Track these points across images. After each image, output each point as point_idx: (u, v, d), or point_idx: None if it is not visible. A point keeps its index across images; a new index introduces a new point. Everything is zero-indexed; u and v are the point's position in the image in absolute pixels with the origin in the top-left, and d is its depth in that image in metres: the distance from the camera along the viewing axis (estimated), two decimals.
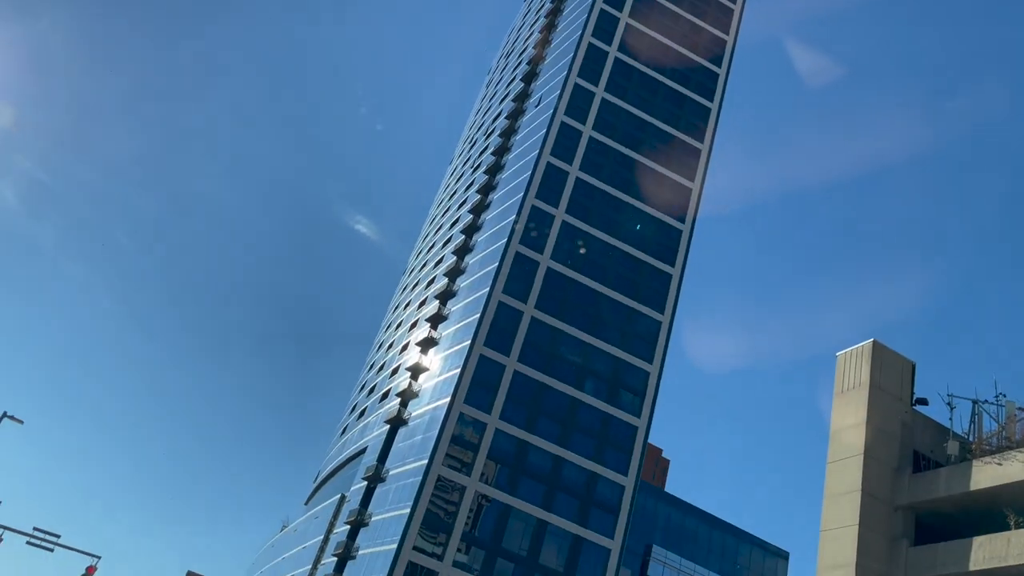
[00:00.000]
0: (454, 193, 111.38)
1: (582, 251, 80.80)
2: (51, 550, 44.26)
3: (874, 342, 36.29)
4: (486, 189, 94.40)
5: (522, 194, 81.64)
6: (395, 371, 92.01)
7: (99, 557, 41.98)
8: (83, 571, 42.00)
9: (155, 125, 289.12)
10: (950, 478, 31.96)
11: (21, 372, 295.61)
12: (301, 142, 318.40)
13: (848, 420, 34.93)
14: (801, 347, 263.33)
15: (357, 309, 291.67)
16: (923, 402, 35.91)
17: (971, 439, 33.82)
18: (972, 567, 29.19)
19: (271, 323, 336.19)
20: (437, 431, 70.17)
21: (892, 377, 35.64)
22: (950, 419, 34.61)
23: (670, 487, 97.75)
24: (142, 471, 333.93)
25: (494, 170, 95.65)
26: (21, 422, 45.20)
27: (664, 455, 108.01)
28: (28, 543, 44.09)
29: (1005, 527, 28.98)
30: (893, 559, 31.81)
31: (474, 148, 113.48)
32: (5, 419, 43.86)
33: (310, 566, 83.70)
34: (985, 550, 29.12)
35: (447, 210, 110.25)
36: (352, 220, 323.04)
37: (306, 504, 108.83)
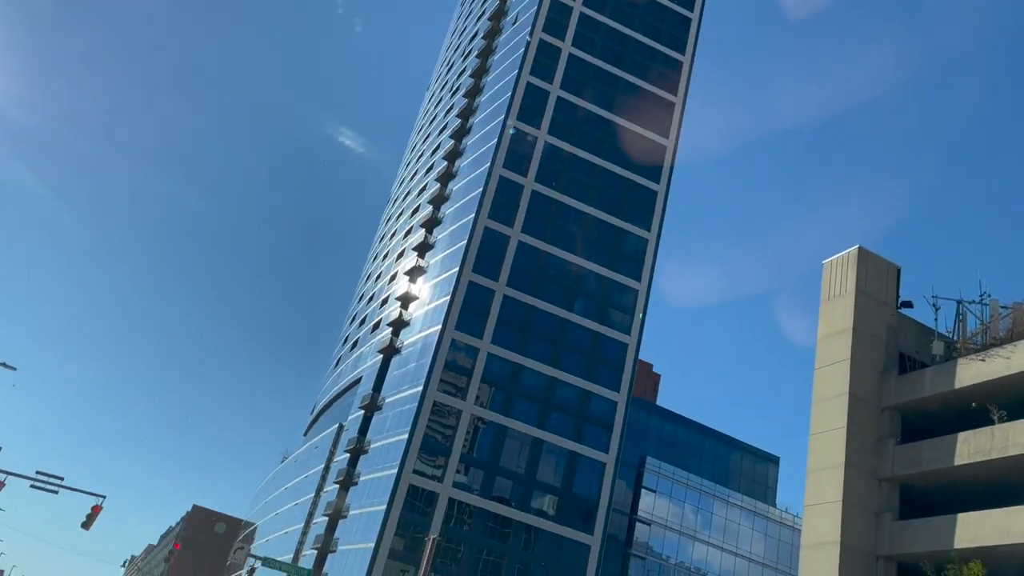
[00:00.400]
0: (434, 119, 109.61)
1: (564, 174, 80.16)
2: (55, 492, 44.80)
3: (859, 248, 36.45)
4: (466, 113, 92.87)
5: (503, 117, 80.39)
6: (385, 301, 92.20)
7: (104, 496, 42.61)
8: (89, 511, 42.52)
9: (126, 62, 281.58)
10: (935, 377, 32.58)
11: (9, 318, 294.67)
12: (283, 57, 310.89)
13: (835, 326, 35.36)
14: (787, 265, 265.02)
15: (347, 231, 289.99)
16: (908, 305, 36.32)
17: (956, 339, 34.34)
18: (957, 462, 30.03)
19: (263, 252, 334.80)
20: (430, 358, 70.77)
21: (878, 282, 35.94)
22: (935, 320, 35.08)
23: (662, 401, 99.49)
24: (142, 412, 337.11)
25: (473, 93, 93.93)
26: (14, 369, 45.25)
27: (655, 370, 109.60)
28: (32, 486, 44.59)
29: (989, 423, 29.69)
30: (881, 456, 32.67)
31: (451, 71, 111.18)
32: None
33: (313, 494, 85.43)
34: (970, 445, 29.91)
35: (427, 136, 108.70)
36: (337, 133, 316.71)
37: (305, 435, 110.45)
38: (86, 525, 40.88)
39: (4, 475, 43.41)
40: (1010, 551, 27.49)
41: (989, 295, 34.13)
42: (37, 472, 44.91)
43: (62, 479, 45.06)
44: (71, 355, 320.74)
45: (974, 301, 34.58)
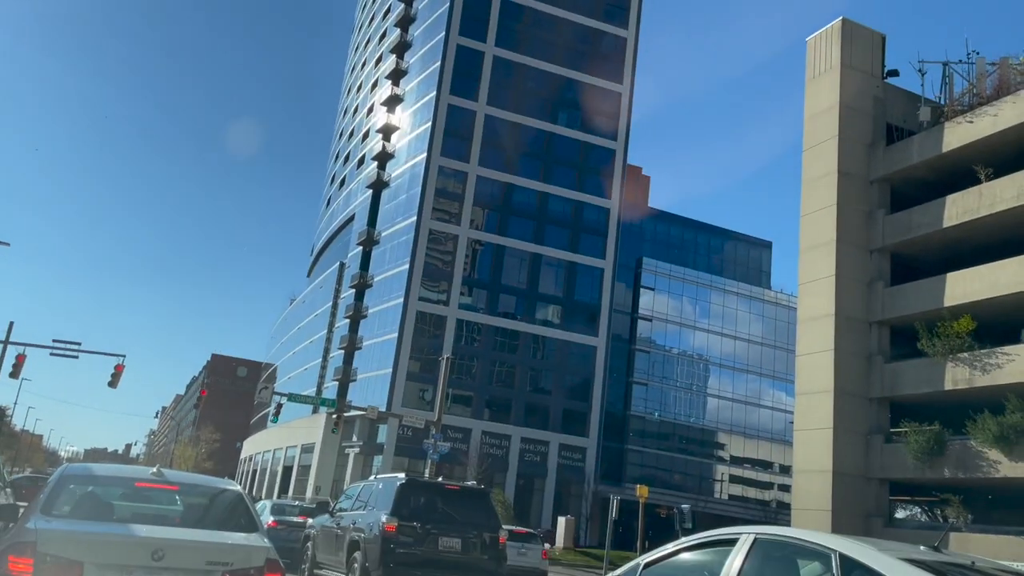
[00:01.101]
0: None
1: None
2: (76, 357, 46.14)
3: (843, 20, 35.40)
4: None
5: None
6: (366, 135, 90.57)
7: (124, 356, 43.92)
8: (112, 371, 43.97)
9: None
10: (922, 144, 32.69)
11: (5, 189, 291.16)
12: None
13: (821, 104, 35.02)
14: (767, 46, 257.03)
15: (313, 61, 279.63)
16: (894, 73, 35.76)
17: (943, 103, 34.10)
18: (946, 224, 30.75)
19: (235, 99, 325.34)
20: (420, 187, 70.61)
21: (863, 53, 35.19)
22: (921, 86, 34.70)
23: (653, 202, 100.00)
24: (147, 272, 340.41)
25: None
26: (7, 244, 45.28)
27: (644, 173, 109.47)
28: (52, 354, 45.90)
29: (978, 184, 30.07)
30: (871, 228, 33.43)
31: None
32: None
33: (325, 331, 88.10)
34: (958, 206, 30.51)
35: None
36: None
37: (308, 276, 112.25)
38: (112, 384, 42.43)
39: (23, 347, 44.55)
40: (999, 303, 28.74)
41: (977, 53, 33.57)
42: (54, 340, 46.08)
43: (80, 344, 46.29)
44: (66, 222, 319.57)
45: (961, 61, 34.06)
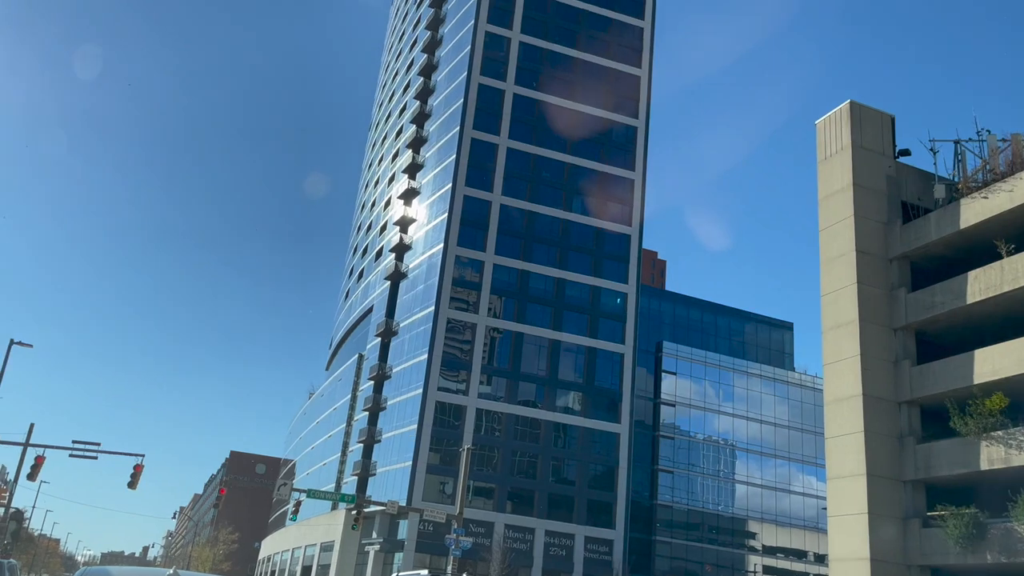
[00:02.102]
0: (403, 35, 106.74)
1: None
2: (95, 458, 45.92)
3: (851, 103, 35.93)
4: (435, 23, 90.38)
5: (472, 22, 78.27)
6: (384, 228, 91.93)
7: (143, 455, 43.63)
8: (132, 471, 43.57)
9: None
10: (940, 221, 32.61)
11: (23, 297, 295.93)
12: None
13: (835, 185, 35.20)
14: (775, 130, 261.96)
15: (333, 161, 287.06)
16: (906, 153, 36.02)
17: (957, 180, 34.20)
18: (969, 300, 30.36)
19: (252, 197, 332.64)
20: (437, 277, 71.10)
21: (873, 134, 35.57)
22: (934, 164, 34.86)
23: (670, 286, 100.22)
24: (163, 373, 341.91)
25: (439, 0, 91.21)
26: (30, 346, 45.68)
27: (660, 257, 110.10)
28: (71, 455, 45.70)
29: (997, 259, 29.83)
30: (893, 307, 33.05)
31: None
32: (14, 346, 44.25)
33: (344, 424, 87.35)
34: (980, 282, 30.17)
35: (399, 53, 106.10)
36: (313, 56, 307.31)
37: (327, 369, 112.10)
38: (132, 484, 42.04)
39: (42, 449, 44.39)
40: None
41: (987, 130, 33.80)
42: (73, 441, 45.88)
43: (99, 444, 46.05)
44: (83, 327, 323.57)
45: (971, 139, 34.27)
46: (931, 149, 34.39)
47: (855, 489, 30.61)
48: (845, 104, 35.98)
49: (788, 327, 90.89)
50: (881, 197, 34.62)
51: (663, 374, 79.44)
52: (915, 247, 33.21)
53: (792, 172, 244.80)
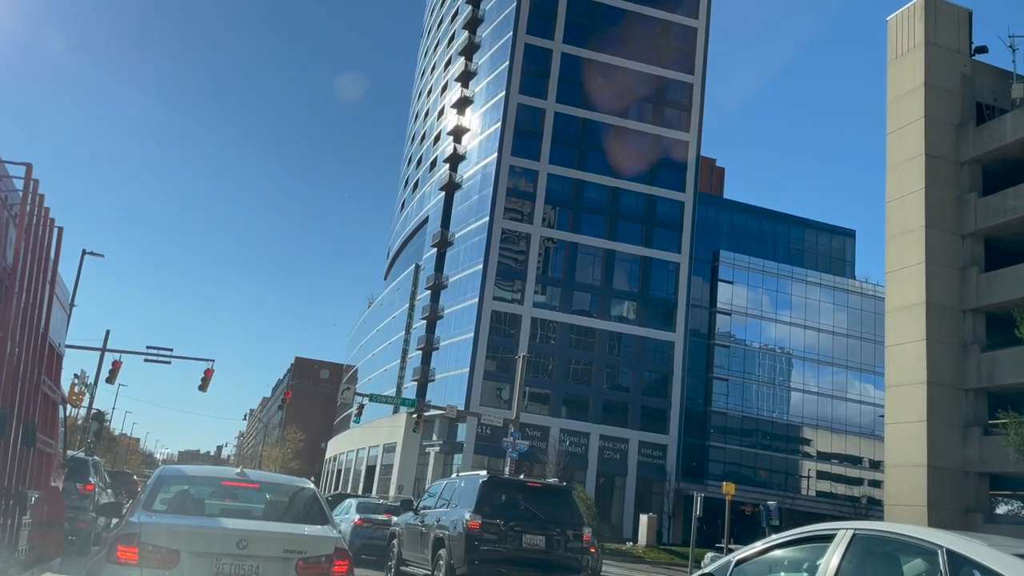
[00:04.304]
0: None
1: None
2: (168, 363, 48.04)
3: None
4: None
5: None
6: (437, 137, 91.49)
7: (213, 360, 45.44)
8: (202, 375, 45.52)
9: None
10: (1016, 122, 31.14)
11: (91, 203, 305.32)
12: None
13: (905, 85, 33.72)
14: (842, 25, 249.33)
15: (383, 65, 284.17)
16: (983, 50, 34.21)
17: None
18: None
19: (309, 108, 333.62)
20: (492, 187, 70.92)
21: (948, 30, 33.74)
22: (1013, 62, 33.19)
23: (729, 194, 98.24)
24: (235, 278, 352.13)
25: None
26: (102, 256, 47.40)
27: (718, 164, 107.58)
28: (146, 360, 47.84)
29: None
30: (963, 213, 32.03)
31: None
32: (86, 256, 45.97)
33: (403, 332, 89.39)
34: None
35: None
36: None
37: (385, 279, 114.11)
38: (202, 387, 43.92)
39: (119, 354, 46.60)
40: None
41: None
42: (147, 347, 48.01)
43: (171, 350, 48.11)
44: (154, 234, 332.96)
45: None
46: (1010, 46, 32.63)
47: (914, 397, 30.45)
48: None
49: (850, 234, 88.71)
50: (954, 97, 33.12)
51: (719, 283, 78.74)
52: (988, 149, 31.90)
53: (859, 71, 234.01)
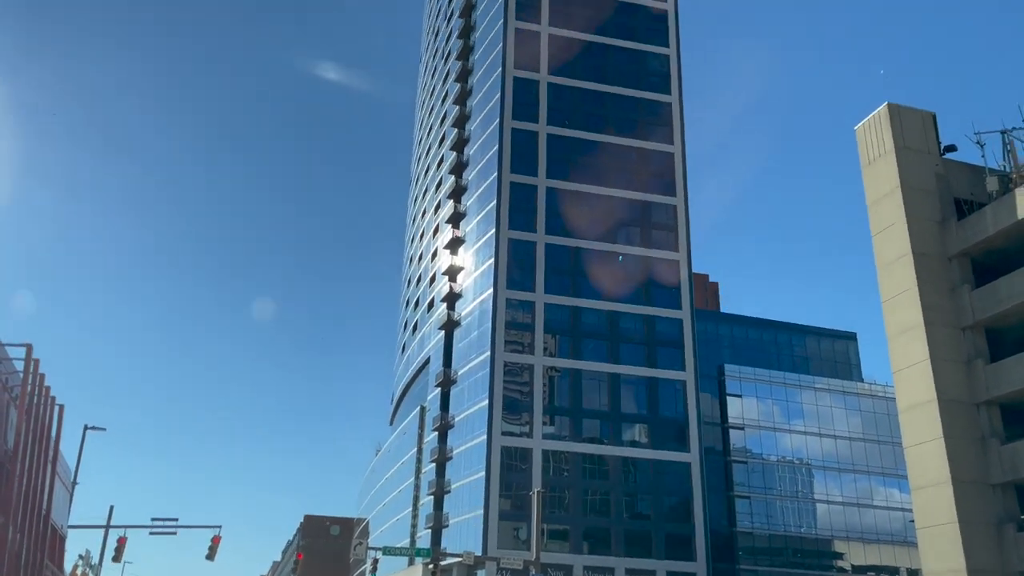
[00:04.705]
0: (433, 90, 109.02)
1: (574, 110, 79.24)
2: (174, 533, 46.79)
3: (888, 105, 35.50)
4: (463, 74, 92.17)
5: (500, 69, 79.62)
6: (433, 279, 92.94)
7: (220, 526, 44.32)
8: (209, 543, 44.22)
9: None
10: (996, 213, 31.82)
11: (92, 377, 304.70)
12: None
13: (882, 188, 34.65)
14: (814, 139, 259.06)
15: (375, 225, 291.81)
16: (952, 149, 35.37)
17: (1009, 171, 33.43)
18: None
19: (303, 267, 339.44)
20: (490, 322, 71.40)
21: (915, 134, 35.02)
22: (983, 157, 34.22)
23: (725, 307, 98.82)
24: (240, 441, 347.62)
25: (465, 52, 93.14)
26: (104, 430, 46.99)
27: (711, 280, 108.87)
28: (151, 533, 46.64)
29: None
30: (959, 305, 32.16)
31: (439, 38, 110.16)
32: (88, 431, 45.59)
33: (412, 478, 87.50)
34: None
35: (431, 109, 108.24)
36: (316, 68, 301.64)
37: (391, 424, 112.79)
38: (210, 556, 42.65)
39: (123, 529, 45.37)
40: None
41: None
42: (152, 519, 46.83)
43: (177, 520, 46.94)
44: (153, 410, 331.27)
45: (1018, 127, 33.54)
46: (977, 142, 33.79)
47: (942, 498, 29.55)
48: (883, 107, 35.57)
49: (851, 337, 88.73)
50: (932, 196, 33.96)
51: (728, 397, 78.02)
52: (974, 242, 32.42)
53: (832, 180, 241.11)
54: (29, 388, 34.66)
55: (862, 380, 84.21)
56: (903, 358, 32.33)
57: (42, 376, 37.66)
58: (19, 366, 34.57)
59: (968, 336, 31.79)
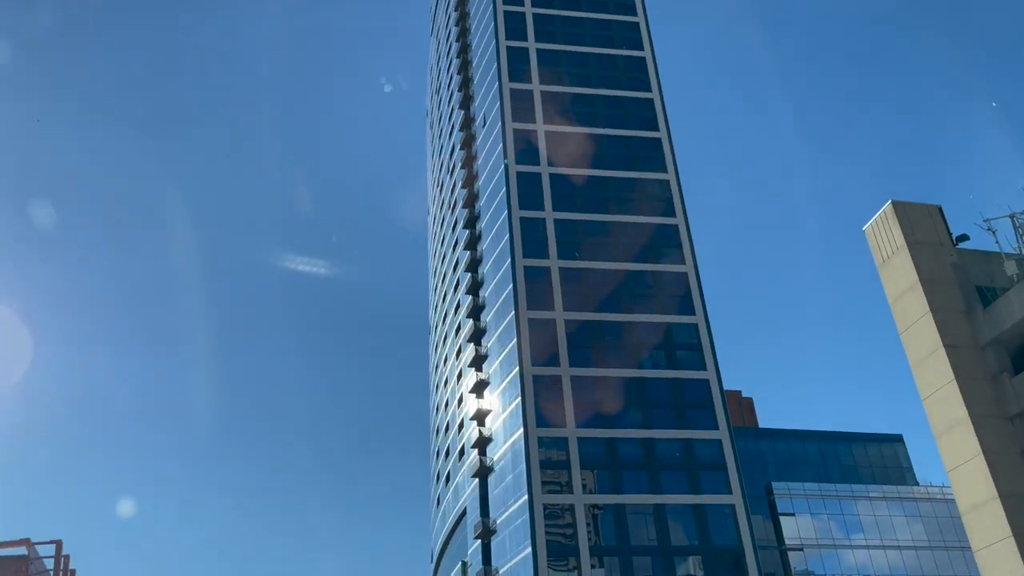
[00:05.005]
0: (443, 239, 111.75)
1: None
2: None
3: (893, 203, 35.78)
4: (471, 221, 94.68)
5: (506, 212, 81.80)
6: (461, 426, 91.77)
7: None
8: None
9: None
10: (1021, 296, 31.29)
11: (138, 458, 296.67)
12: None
13: (901, 285, 34.36)
14: (821, 239, 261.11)
15: (396, 374, 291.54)
16: (964, 239, 35.31)
17: None
18: None
19: (326, 429, 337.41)
20: (524, 465, 69.73)
21: (925, 228, 35.08)
22: (996, 243, 34.03)
23: (763, 423, 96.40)
24: None
25: (471, 200, 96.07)
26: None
27: (744, 395, 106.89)
28: None
29: None
30: (1001, 395, 31.09)
31: (444, 191, 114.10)
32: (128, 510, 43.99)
33: None
34: None
35: (443, 257, 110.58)
36: (287, 262, 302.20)
37: None
38: None
39: None
40: None
41: None
42: None
43: None
44: (181, 516, 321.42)
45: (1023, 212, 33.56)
46: (989, 229, 33.72)
47: None
48: (887, 206, 35.84)
49: (898, 439, 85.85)
50: (952, 286, 33.61)
51: (781, 517, 74.73)
52: (1004, 328, 31.74)
53: (856, 277, 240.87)
54: None
55: (917, 483, 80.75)
56: (955, 456, 30.98)
57: (73, 572, 36.76)
58: (49, 564, 33.80)
59: (1018, 425, 30.56)
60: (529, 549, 66.17)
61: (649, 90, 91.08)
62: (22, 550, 30.31)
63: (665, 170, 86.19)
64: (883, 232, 35.83)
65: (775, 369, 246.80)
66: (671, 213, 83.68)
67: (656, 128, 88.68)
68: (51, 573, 32.55)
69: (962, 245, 35.01)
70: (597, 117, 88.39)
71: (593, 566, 66.13)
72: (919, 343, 33.14)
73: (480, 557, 77.69)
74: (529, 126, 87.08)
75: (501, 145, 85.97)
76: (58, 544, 33.25)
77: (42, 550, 32.18)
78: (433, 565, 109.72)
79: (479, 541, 78.43)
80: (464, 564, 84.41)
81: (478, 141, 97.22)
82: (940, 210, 35.82)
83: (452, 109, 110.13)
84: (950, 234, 35.30)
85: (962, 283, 33.76)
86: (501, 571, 73.08)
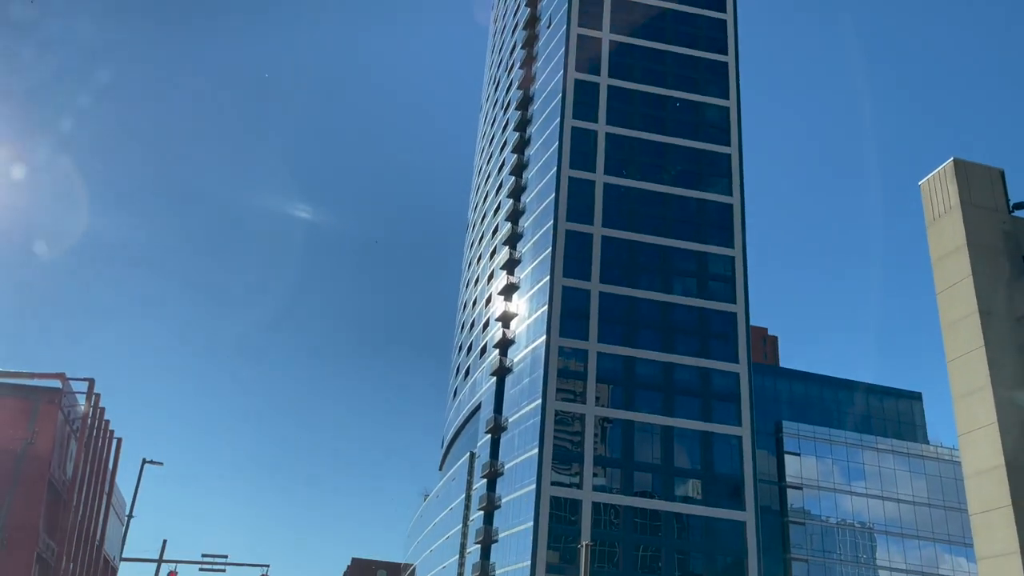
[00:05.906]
0: (492, 138, 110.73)
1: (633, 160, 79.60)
2: (223, 571, 47.23)
3: (954, 160, 34.78)
4: (522, 124, 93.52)
5: (558, 119, 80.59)
6: (486, 324, 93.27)
7: (268, 565, 44.61)
8: None
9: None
10: None
11: (150, 408, 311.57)
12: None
13: (947, 246, 33.78)
14: (877, 193, 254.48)
15: (430, 263, 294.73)
16: (1021, 207, 34.39)
17: None
18: None
19: (362, 305, 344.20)
20: (542, 370, 71.15)
21: (982, 190, 34.18)
22: None
23: (784, 362, 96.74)
24: (285, 484, 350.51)
25: (524, 103, 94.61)
26: (161, 464, 47.89)
27: (770, 333, 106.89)
28: (201, 570, 47.14)
29: None
30: None
31: (499, 89, 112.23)
32: (146, 464, 46.51)
33: (460, 525, 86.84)
34: None
35: (490, 156, 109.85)
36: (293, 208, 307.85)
37: (440, 470, 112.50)
38: None
39: (174, 564, 46.00)
40: None
41: None
42: (203, 555, 47.37)
43: (227, 557, 47.40)
44: (208, 446, 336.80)
45: None
46: None
47: (1010, 570, 28.08)
48: (948, 163, 34.86)
49: (916, 397, 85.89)
50: (999, 254, 32.97)
51: (786, 455, 75.96)
52: None
53: (900, 233, 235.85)
54: (89, 421, 35.66)
55: (927, 442, 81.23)
56: (968, 421, 31.10)
57: (102, 410, 38.74)
58: (81, 400, 35.70)
59: None
60: (536, 450, 68.26)
61: (724, 10, 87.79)
62: (56, 383, 31.97)
63: (727, 97, 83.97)
64: (939, 189, 35.00)
65: (807, 312, 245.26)
66: (726, 142, 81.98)
67: (725, 51, 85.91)
68: (82, 408, 34.37)
69: (1018, 213, 34.14)
70: (666, 31, 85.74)
71: (595, 474, 68.21)
72: (954, 306, 32.82)
73: (488, 451, 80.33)
74: (595, 33, 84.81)
75: (563, 49, 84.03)
76: (91, 382, 34.95)
77: (75, 386, 33.87)
78: (443, 451, 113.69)
79: (489, 436, 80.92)
80: (472, 455, 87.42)
81: (540, 42, 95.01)
82: (1002, 174, 34.79)
83: (519, 4, 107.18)
84: (1007, 199, 34.39)
85: (1011, 252, 33.11)
86: (507, 467, 75.65)
